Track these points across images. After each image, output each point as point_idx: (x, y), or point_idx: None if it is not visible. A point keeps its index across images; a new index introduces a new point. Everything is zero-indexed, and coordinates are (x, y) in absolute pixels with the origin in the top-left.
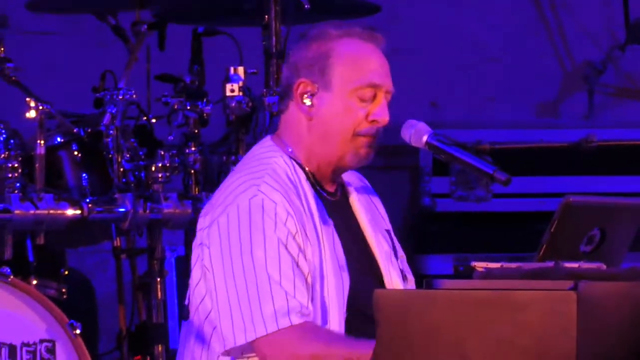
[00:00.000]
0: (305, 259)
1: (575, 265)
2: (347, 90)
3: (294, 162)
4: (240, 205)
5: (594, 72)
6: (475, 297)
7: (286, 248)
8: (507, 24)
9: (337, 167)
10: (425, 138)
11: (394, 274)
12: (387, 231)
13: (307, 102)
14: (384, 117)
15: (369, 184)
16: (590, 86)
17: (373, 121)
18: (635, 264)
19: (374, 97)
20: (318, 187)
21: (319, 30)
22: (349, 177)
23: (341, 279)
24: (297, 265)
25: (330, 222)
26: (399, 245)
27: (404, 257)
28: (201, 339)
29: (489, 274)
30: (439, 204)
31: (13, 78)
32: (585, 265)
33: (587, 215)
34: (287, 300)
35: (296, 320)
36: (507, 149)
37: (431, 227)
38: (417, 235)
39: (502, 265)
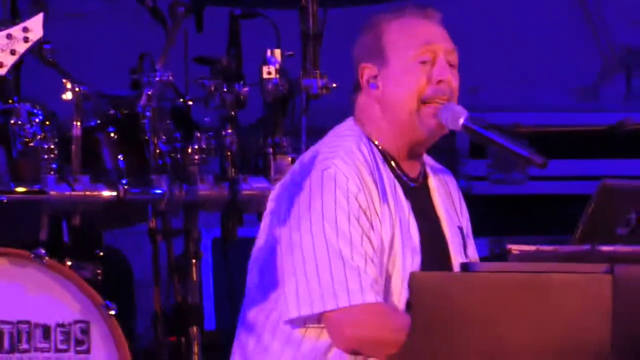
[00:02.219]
0: (374, 235)
1: (611, 248)
2: (404, 58)
3: (373, 145)
4: (312, 176)
5: (632, 55)
6: (510, 280)
7: (358, 221)
8: (547, 8)
9: (412, 143)
10: (461, 121)
11: None
12: (460, 228)
13: (373, 85)
14: (446, 75)
15: (453, 178)
16: (629, 70)
17: (439, 82)
18: None
19: (434, 59)
20: (399, 171)
21: (373, 18)
22: (436, 169)
23: (411, 261)
24: (369, 240)
25: (408, 203)
26: (474, 248)
27: (477, 259)
28: (260, 308)
29: (524, 257)
30: (476, 186)
31: (50, 60)
32: (622, 248)
33: (623, 198)
34: (360, 275)
35: (369, 298)
36: (544, 132)
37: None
38: None
39: (537, 248)
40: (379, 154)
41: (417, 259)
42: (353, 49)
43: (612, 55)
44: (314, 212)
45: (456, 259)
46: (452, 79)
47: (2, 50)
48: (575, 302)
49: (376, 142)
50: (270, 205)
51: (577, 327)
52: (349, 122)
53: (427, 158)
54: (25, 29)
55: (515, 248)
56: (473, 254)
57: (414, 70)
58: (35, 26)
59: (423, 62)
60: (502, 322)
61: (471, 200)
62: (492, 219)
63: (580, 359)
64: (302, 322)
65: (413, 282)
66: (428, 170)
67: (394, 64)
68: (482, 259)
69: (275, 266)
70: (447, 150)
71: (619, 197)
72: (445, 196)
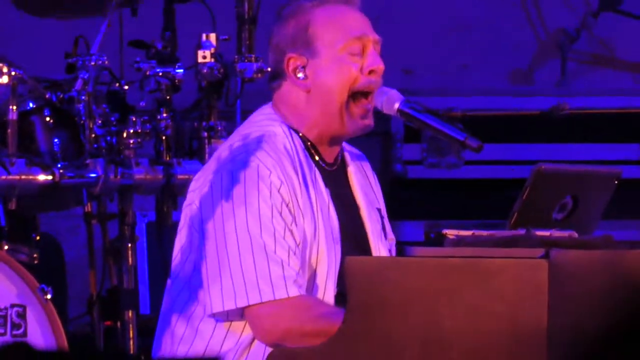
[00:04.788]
0: (297, 228)
1: (547, 233)
2: (335, 50)
3: (292, 131)
4: (235, 169)
5: (567, 39)
6: (447, 265)
7: (280, 215)
8: None
9: (337, 134)
10: (397, 105)
11: (383, 253)
12: (378, 210)
13: (301, 75)
14: (378, 65)
15: (368, 162)
16: (564, 53)
17: (370, 72)
18: (608, 232)
19: (363, 50)
20: (317, 157)
21: (293, 6)
22: (352, 153)
23: (333, 251)
24: (291, 234)
25: (327, 191)
26: (389, 227)
27: (394, 240)
28: (180, 301)
29: (460, 242)
30: (411, 170)
31: None
32: (557, 233)
33: (559, 182)
34: (283, 269)
35: (293, 292)
36: (479, 116)
37: (403, 194)
38: (389, 201)
39: (473, 233)
40: (300, 141)
41: (338, 249)
42: (273, 36)
43: (547, 39)
44: (238, 206)
45: (375, 245)
46: (382, 67)
47: None
48: (512, 287)
49: (298, 130)
50: (190, 196)
51: (514, 312)
52: (266, 110)
53: (343, 143)
54: None
55: (451, 233)
56: (390, 235)
57: (346, 61)
58: None
59: (353, 53)
60: (438, 307)
61: (407, 184)
62: (427, 203)
63: (517, 343)
64: (225, 315)
65: (349, 267)
66: (346, 154)
67: (324, 54)
68: (418, 243)
69: (197, 260)
70: (382, 134)
71: (555, 181)
72: (363, 178)
